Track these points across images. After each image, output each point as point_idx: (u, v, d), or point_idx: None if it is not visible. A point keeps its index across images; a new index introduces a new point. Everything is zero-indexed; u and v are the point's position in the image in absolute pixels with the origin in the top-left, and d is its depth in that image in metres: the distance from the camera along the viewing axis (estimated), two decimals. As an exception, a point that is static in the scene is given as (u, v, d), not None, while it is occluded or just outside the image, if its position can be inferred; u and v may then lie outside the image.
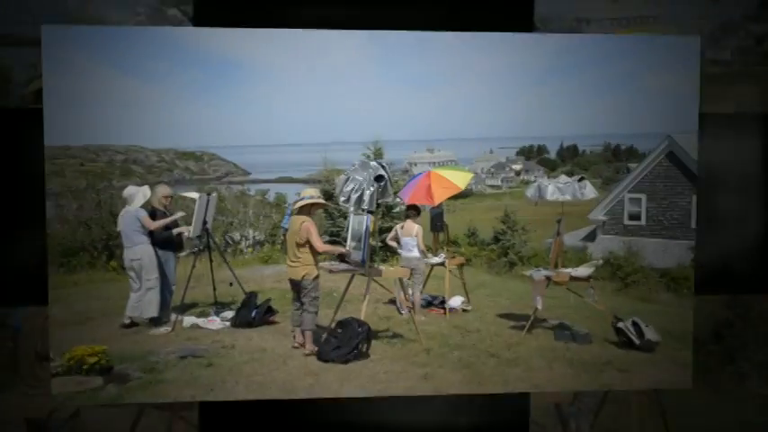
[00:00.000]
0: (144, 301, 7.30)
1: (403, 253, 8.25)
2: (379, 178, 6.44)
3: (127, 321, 7.38)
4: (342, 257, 7.15)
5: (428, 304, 8.86)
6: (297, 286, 6.64)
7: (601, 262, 12.74)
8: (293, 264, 6.58)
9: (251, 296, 7.79)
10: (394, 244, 8.44)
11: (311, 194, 6.64)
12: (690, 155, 21.54)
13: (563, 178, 7.92)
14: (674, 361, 6.89)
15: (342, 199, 6.60)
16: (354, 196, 6.46)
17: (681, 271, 17.10)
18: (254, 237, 13.92)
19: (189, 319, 7.61)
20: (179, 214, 7.57)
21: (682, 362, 6.83)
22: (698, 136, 6.40)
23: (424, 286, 8.61)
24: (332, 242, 8.69)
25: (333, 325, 6.92)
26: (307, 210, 6.58)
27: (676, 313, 10.83)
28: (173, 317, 7.51)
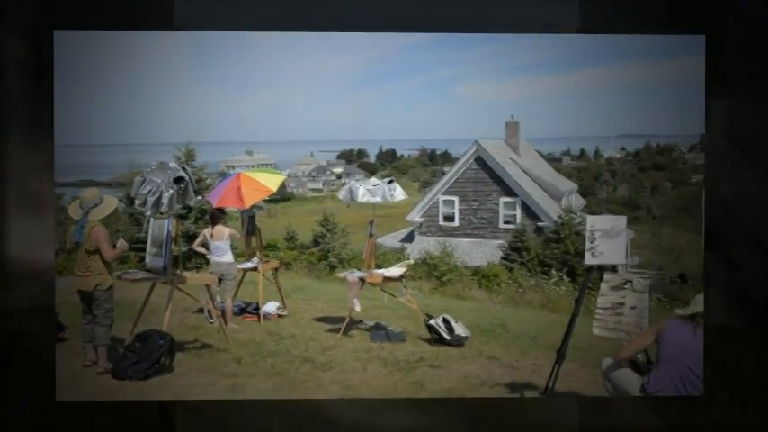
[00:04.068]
0: None
1: (214, 258, 7.84)
2: (179, 180, 6.01)
3: None
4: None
5: (241, 311, 8.52)
6: (88, 298, 6.02)
7: (412, 261, 13.19)
8: (83, 273, 5.97)
9: (36, 312, 6.94)
10: (202, 250, 8.02)
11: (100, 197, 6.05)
12: (495, 159, 23.10)
13: (373, 180, 7.99)
14: (480, 353, 7.17)
15: (137, 202, 6.09)
16: (151, 199, 5.96)
17: (491, 268, 18.28)
18: (47, 246, 12.63)
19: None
20: None
21: (488, 354, 7.13)
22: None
23: (236, 292, 8.25)
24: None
25: (131, 338, 6.35)
26: (95, 214, 5.98)
27: (486, 308, 11.48)
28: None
